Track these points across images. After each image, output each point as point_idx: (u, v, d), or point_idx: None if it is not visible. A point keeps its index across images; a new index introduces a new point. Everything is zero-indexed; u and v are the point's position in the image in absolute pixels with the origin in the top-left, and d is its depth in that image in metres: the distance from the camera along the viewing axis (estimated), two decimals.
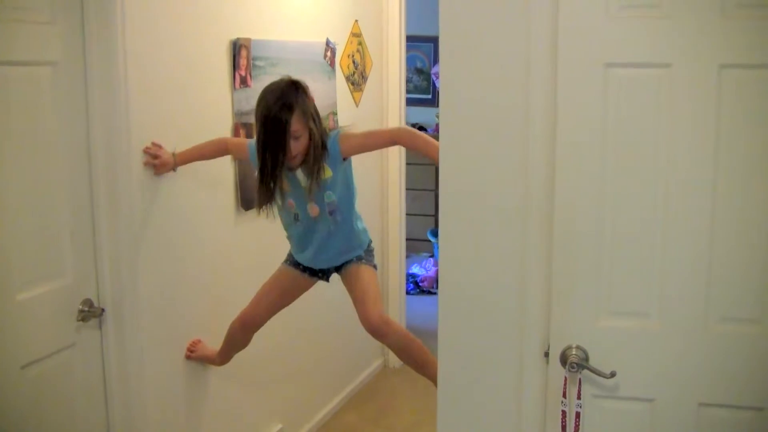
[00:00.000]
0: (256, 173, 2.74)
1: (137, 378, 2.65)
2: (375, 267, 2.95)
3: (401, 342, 2.86)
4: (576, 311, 1.92)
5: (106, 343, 2.60)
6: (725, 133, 1.77)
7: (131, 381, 2.64)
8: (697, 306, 1.85)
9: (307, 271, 2.95)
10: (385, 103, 4.59)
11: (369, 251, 2.96)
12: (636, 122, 1.82)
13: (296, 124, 2.60)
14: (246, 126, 3.11)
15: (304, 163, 2.69)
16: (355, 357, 4.46)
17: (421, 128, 6.60)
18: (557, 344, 1.94)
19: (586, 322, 1.92)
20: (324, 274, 2.98)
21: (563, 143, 1.86)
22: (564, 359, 1.92)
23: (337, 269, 2.95)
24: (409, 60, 6.84)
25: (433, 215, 6.91)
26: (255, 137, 2.70)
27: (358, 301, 2.85)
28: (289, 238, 2.95)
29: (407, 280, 5.84)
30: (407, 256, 5.50)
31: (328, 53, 3.86)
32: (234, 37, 3.08)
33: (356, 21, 4.19)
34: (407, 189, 4.91)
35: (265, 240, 3.20)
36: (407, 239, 5.04)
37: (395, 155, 4.65)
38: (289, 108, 2.59)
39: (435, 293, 6.02)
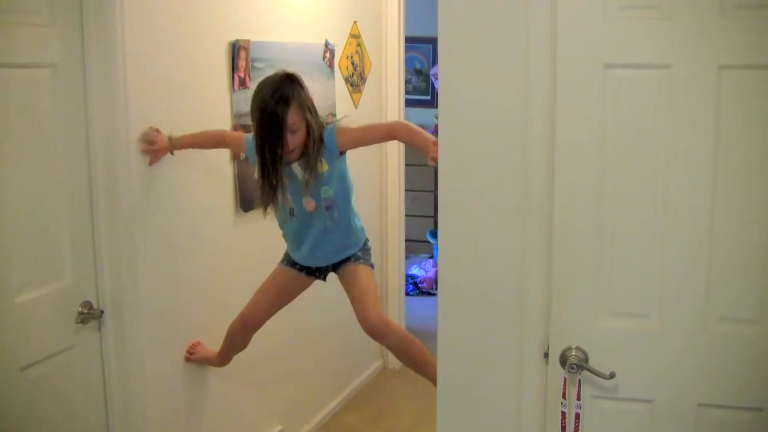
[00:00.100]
0: (255, 171, 2.74)
1: (137, 379, 2.65)
2: (372, 266, 2.94)
3: (401, 343, 2.85)
4: (575, 312, 1.92)
5: (105, 344, 2.60)
6: (725, 134, 1.77)
7: (131, 382, 2.64)
8: (696, 306, 1.85)
9: (304, 270, 2.94)
10: (384, 104, 4.59)
11: (366, 250, 2.94)
12: (635, 123, 1.82)
13: (293, 117, 2.59)
14: (245, 127, 3.11)
15: (302, 156, 2.68)
16: (354, 358, 4.45)
17: None
18: (557, 345, 1.94)
19: (586, 323, 1.92)
20: (321, 273, 2.97)
21: (563, 144, 1.87)
22: (564, 360, 1.92)
23: (334, 269, 2.94)
24: (408, 61, 6.83)
25: (432, 216, 6.91)
26: (252, 132, 2.69)
27: (357, 301, 2.83)
28: (284, 236, 2.93)
29: (406, 281, 5.84)
30: (406, 257, 5.50)
31: (327, 54, 3.87)
32: (233, 38, 3.08)
33: (355, 22, 4.19)
34: (406, 190, 4.90)
35: (265, 241, 3.20)
36: (406, 240, 5.04)
37: (394, 156, 4.65)
38: (285, 101, 2.58)
39: (434, 294, 6.03)
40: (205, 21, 2.95)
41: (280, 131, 2.58)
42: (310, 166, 2.68)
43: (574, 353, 1.91)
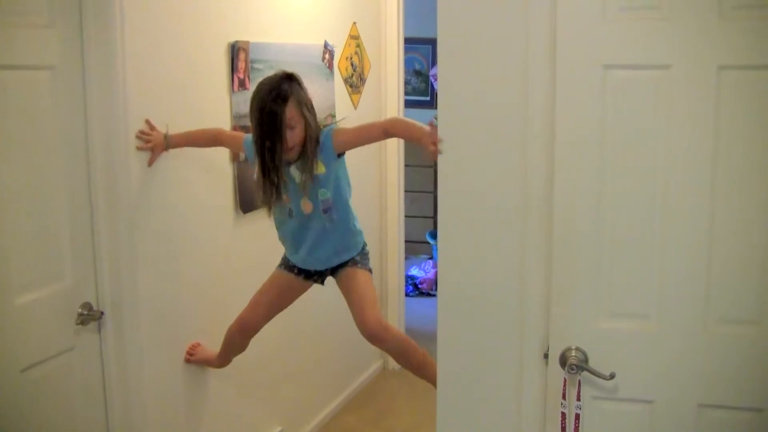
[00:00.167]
0: (255, 172, 2.74)
1: (137, 381, 2.65)
2: (370, 270, 2.93)
3: (399, 346, 2.85)
4: (575, 312, 1.92)
5: (105, 346, 2.60)
6: (724, 134, 1.77)
7: (131, 384, 2.64)
8: (696, 307, 1.85)
9: (302, 274, 2.93)
10: (384, 105, 4.59)
11: (364, 254, 2.93)
12: (635, 123, 1.82)
13: (291, 111, 2.60)
14: (244, 128, 3.10)
15: (299, 158, 2.68)
16: (354, 359, 4.45)
17: None
18: (557, 345, 1.94)
19: (586, 323, 1.92)
20: (319, 277, 2.96)
21: (562, 144, 1.87)
22: (563, 361, 1.92)
23: (332, 273, 2.93)
24: (408, 62, 6.84)
25: (431, 217, 6.91)
26: (252, 134, 2.69)
27: (355, 306, 2.83)
28: (282, 239, 2.92)
29: (406, 282, 5.84)
30: (406, 258, 5.50)
31: (327, 55, 3.87)
32: (232, 39, 3.08)
33: (354, 23, 4.19)
34: (406, 191, 4.90)
35: (264, 242, 3.20)
36: (406, 241, 5.04)
37: (393, 157, 4.65)
38: (283, 98, 2.59)
39: (434, 295, 6.03)
40: (204, 22, 2.95)
41: (279, 127, 2.58)
42: (308, 168, 2.68)
43: (573, 354, 1.91)
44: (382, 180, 4.67)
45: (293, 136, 2.62)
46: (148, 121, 2.66)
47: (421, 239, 6.89)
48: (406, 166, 4.83)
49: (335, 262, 2.89)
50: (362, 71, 4.31)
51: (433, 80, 7.24)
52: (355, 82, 4.23)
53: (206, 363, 3.03)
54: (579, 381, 1.91)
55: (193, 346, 2.99)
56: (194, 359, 2.98)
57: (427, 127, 2.34)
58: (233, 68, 3.09)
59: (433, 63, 7.18)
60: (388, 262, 4.74)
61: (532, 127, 1.88)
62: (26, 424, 2.32)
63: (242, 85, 3.14)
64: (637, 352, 1.90)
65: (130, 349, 2.62)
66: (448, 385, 2.07)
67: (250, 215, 3.25)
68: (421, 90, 7.41)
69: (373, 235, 4.49)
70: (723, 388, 1.87)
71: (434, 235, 6.54)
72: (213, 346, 3.02)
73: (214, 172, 3.08)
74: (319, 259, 2.87)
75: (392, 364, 4.77)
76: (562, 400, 1.91)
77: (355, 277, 2.86)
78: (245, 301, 2.97)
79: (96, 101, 2.48)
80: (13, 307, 2.26)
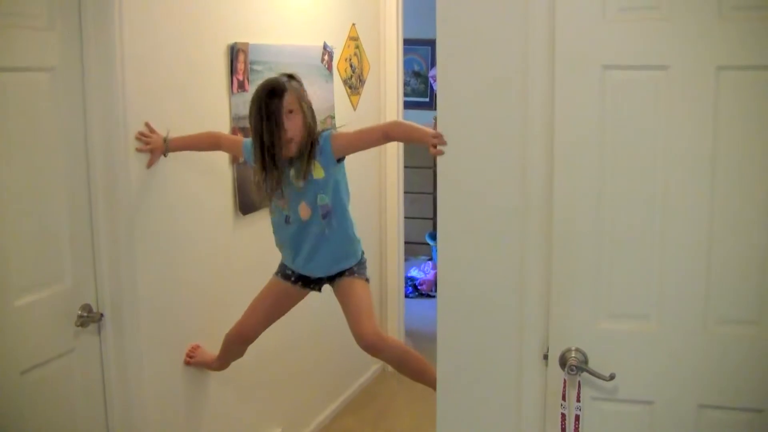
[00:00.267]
0: (254, 174, 2.74)
1: (136, 382, 2.65)
2: (368, 280, 2.93)
3: (397, 355, 2.86)
4: (575, 313, 1.92)
5: (105, 347, 2.59)
6: (723, 135, 1.77)
7: (130, 385, 2.63)
8: (696, 307, 1.85)
9: (299, 282, 2.92)
10: (383, 106, 4.59)
11: (361, 263, 2.92)
12: (634, 124, 1.82)
13: (290, 98, 2.63)
14: (243, 130, 3.11)
15: (299, 157, 2.68)
16: (353, 361, 4.44)
17: None
18: (556, 346, 1.94)
19: (586, 324, 1.92)
20: (316, 285, 2.96)
21: (562, 144, 1.87)
22: (563, 361, 1.92)
23: (330, 281, 2.93)
24: (407, 63, 6.84)
25: (431, 218, 6.90)
26: (251, 136, 2.69)
27: (352, 316, 2.83)
28: (280, 245, 2.91)
29: (406, 283, 5.83)
30: (405, 260, 5.50)
31: (326, 57, 3.87)
32: (232, 41, 3.08)
33: (353, 24, 4.19)
34: (405, 192, 4.90)
35: (264, 244, 3.19)
36: (405, 242, 5.04)
37: (393, 158, 4.65)
38: (280, 90, 2.63)
39: (433, 296, 6.02)
40: (203, 24, 2.95)
41: (277, 116, 2.59)
42: (303, 167, 2.67)
43: (573, 354, 1.91)
44: (382, 181, 4.67)
45: (291, 125, 2.63)
46: (147, 125, 2.66)
47: (421, 240, 6.89)
48: (405, 167, 4.83)
49: (334, 270, 2.88)
50: (361, 72, 4.31)
51: (432, 81, 7.25)
52: (355, 84, 4.23)
53: (205, 366, 3.03)
54: (579, 382, 1.91)
55: (192, 348, 2.99)
56: (194, 362, 2.98)
57: (428, 129, 2.35)
58: (232, 70, 3.09)
59: (432, 64, 7.19)
60: (388, 263, 4.74)
61: (531, 128, 1.89)
62: (26, 426, 2.32)
63: (241, 86, 3.14)
64: (636, 352, 1.90)
65: (129, 350, 2.62)
66: (447, 385, 2.07)
67: (250, 217, 3.25)
68: (421, 91, 7.41)
69: (372, 237, 4.49)
70: (723, 389, 1.87)
71: (434, 237, 6.54)
72: (213, 347, 3.02)
73: (214, 174, 3.08)
74: (319, 264, 2.86)
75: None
76: (562, 401, 1.91)
77: (352, 287, 2.86)
78: (245, 303, 2.97)
79: (95, 103, 2.48)
80: (13, 309, 2.26)
